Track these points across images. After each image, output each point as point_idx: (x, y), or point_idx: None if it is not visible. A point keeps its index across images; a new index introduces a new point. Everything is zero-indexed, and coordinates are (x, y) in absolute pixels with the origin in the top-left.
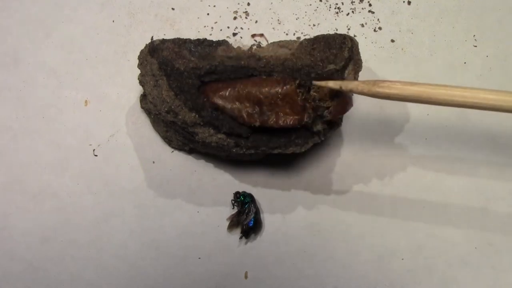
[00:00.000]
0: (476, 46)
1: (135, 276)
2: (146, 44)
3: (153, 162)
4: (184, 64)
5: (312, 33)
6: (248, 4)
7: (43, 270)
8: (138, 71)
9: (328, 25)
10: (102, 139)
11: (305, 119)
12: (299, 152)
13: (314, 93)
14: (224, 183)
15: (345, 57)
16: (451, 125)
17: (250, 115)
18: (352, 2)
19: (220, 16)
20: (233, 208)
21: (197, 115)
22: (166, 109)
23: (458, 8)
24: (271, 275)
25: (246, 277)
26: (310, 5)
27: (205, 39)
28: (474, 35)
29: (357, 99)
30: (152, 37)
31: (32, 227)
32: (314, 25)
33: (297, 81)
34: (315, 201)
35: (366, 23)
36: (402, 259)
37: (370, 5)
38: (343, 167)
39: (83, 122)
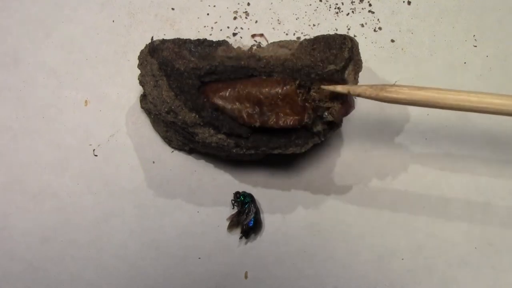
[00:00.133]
0: (476, 46)
1: (135, 276)
2: (146, 44)
3: (153, 162)
4: (184, 65)
5: (312, 33)
6: (248, 4)
7: (43, 270)
8: (138, 71)
9: (328, 25)
10: (102, 139)
11: (305, 120)
12: (299, 153)
13: (314, 94)
14: (224, 183)
15: (345, 57)
16: (451, 125)
17: (250, 115)
18: (352, 2)
19: (220, 16)
20: (233, 208)
21: (197, 116)
22: (166, 109)
23: (458, 8)
24: (271, 275)
25: (246, 277)
26: (310, 5)
27: (205, 39)
28: (474, 35)
29: (357, 99)
30: (152, 37)
31: (32, 227)
32: (314, 25)
33: (297, 82)
34: (315, 201)
35: (366, 23)
36: (402, 259)
37: (370, 5)
38: (343, 167)
39: (83, 122)
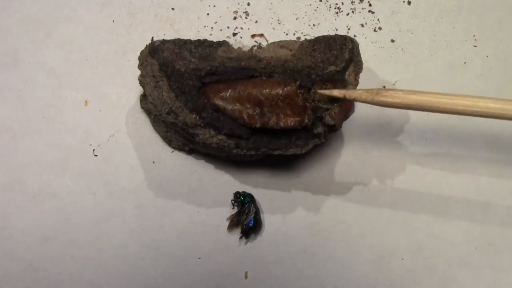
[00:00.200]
0: (476, 46)
1: (135, 276)
2: (147, 45)
3: (153, 162)
4: (184, 65)
5: (312, 33)
6: (248, 4)
7: (43, 270)
8: (138, 71)
9: (328, 25)
10: (102, 139)
11: (305, 121)
12: (300, 153)
13: (314, 94)
14: (224, 183)
15: (346, 58)
16: (451, 125)
17: (250, 116)
18: (352, 2)
19: (220, 16)
20: (233, 208)
21: (197, 117)
22: (166, 110)
23: (458, 8)
24: (271, 275)
25: (246, 277)
26: (310, 5)
27: (206, 40)
28: (474, 35)
29: None
30: (153, 37)
31: (32, 227)
32: (314, 25)
33: (298, 82)
34: (315, 201)
35: (366, 23)
36: (402, 259)
37: (370, 5)
38: (343, 167)
39: (83, 122)
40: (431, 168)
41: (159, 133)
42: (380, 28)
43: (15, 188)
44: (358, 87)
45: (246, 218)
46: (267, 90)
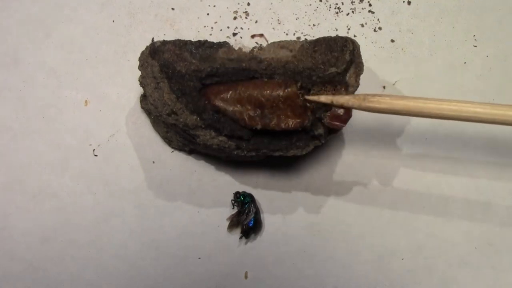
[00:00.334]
0: (476, 46)
1: (135, 276)
2: (147, 46)
3: (153, 162)
4: (185, 67)
5: (312, 33)
6: (248, 4)
7: (43, 270)
8: (138, 71)
9: (328, 25)
10: (102, 139)
11: (306, 122)
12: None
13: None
14: (224, 183)
15: (347, 60)
16: (451, 125)
17: (251, 118)
18: (352, 2)
19: (220, 16)
20: (233, 208)
21: (198, 118)
22: (167, 111)
23: (458, 8)
24: (271, 275)
25: (246, 277)
26: (310, 5)
27: (206, 40)
28: (474, 35)
29: None
30: (153, 38)
31: (32, 227)
32: (314, 25)
33: (299, 84)
34: (315, 202)
35: (366, 23)
36: (402, 259)
37: (370, 5)
38: (344, 167)
39: (83, 122)
40: (431, 168)
41: (159, 133)
42: (380, 28)
43: (15, 188)
44: (358, 88)
45: (246, 218)
46: (268, 92)
